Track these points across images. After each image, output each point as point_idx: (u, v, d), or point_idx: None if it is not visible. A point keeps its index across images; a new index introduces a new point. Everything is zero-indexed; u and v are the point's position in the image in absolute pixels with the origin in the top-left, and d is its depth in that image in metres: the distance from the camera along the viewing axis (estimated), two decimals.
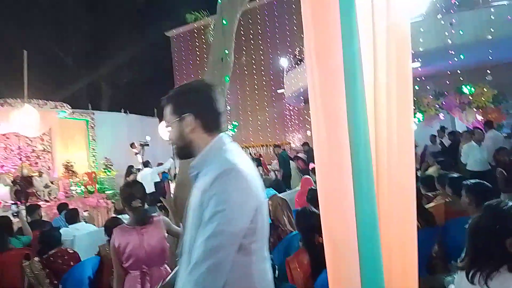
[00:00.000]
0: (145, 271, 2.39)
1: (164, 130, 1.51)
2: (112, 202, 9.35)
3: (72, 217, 4.80)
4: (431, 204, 3.68)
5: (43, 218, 5.79)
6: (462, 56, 8.65)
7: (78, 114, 13.21)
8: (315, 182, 1.51)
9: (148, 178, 7.29)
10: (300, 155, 10.28)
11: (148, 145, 7.65)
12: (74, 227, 4.59)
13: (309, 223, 2.59)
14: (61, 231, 3.88)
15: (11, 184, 9.75)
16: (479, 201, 2.63)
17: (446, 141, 9.00)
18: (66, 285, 3.22)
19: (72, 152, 12.81)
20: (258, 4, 18.54)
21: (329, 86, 1.39)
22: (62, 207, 6.09)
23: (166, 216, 3.08)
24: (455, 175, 3.92)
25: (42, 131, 11.10)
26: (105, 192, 11.73)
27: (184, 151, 1.39)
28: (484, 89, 9.80)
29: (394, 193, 1.39)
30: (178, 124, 1.35)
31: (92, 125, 13.68)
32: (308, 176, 6.18)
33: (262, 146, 17.43)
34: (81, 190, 11.56)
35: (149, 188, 7.08)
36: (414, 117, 10.21)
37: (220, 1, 4.19)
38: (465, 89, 9.95)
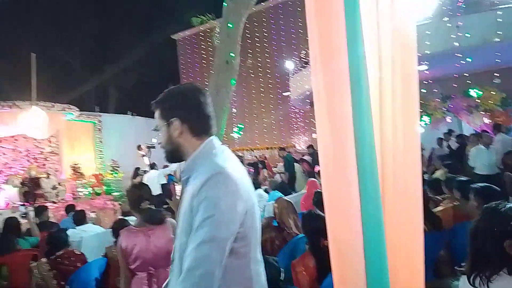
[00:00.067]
0: (152, 272, 2.40)
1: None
2: (119, 204, 9.40)
3: (79, 218, 4.84)
4: (439, 208, 3.66)
5: (50, 220, 5.85)
6: (469, 59, 8.59)
7: (85, 117, 13.34)
8: (321, 184, 1.51)
9: (154, 180, 7.34)
10: (305, 157, 10.27)
11: (154, 147, 7.70)
12: (82, 229, 4.62)
13: (315, 226, 2.58)
14: (68, 232, 3.91)
15: (20, 185, 9.85)
16: None
17: (453, 144, 8.94)
18: (73, 286, 3.24)
19: (79, 154, 12.91)
20: (263, 7, 18.58)
21: (334, 89, 1.39)
22: (69, 208, 6.15)
23: (173, 218, 3.10)
24: (463, 178, 3.90)
25: (50, 133, 11.22)
26: (112, 194, 11.80)
27: (173, 154, 1.39)
28: (492, 92, 9.72)
29: (400, 196, 1.38)
30: (166, 128, 1.36)
31: (99, 127, 13.79)
32: (314, 179, 6.17)
33: (267, 148, 17.41)
34: (88, 192, 11.64)
35: (156, 190, 7.14)
36: (421, 120, 10.15)
37: (225, 4, 4.22)
38: (472, 92, 9.89)
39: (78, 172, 12.35)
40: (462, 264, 1.52)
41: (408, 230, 1.40)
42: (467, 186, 3.26)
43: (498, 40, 8.13)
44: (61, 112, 11.63)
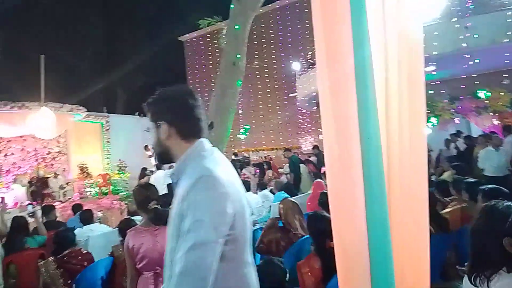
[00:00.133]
0: (158, 272, 2.41)
1: None
2: (126, 204, 9.46)
3: (86, 218, 4.87)
4: (447, 210, 3.63)
5: (57, 219, 5.91)
6: (477, 60, 8.51)
7: (93, 117, 13.45)
8: (326, 185, 1.50)
9: (161, 181, 7.37)
10: (311, 158, 10.24)
11: None
12: (88, 228, 4.66)
13: (320, 227, 2.58)
14: (75, 231, 3.94)
15: (28, 185, 9.96)
16: None
17: (461, 146, 8.86)
18: (79, 285, 3.27)
19: (87, 154, 13.03)
20: (270, 9, 18.59)
21: (340, 90, 1.38)
22: (76, 208, 6.20)
23: None
24: (472, 180, 3.86)
25: (58, 134, 11.34)
26: (119, 193, 11.88)
27: (163, 156, 1.40)
28: (501, 93, 9.61)
29: (405, 197, 1.38)
30: (155, 131, 1.38)
31: (107, 128, 13.90)
32: (320, 180, 6.14)
33: (273, 149, 17.40)
34: (95, 191, 11.73)
35: (162, 190, 7.17)
36: (429, 121, 10.08)
37: (232, 6, 4.23)
38: (481, 94, 9.79)
39: (86, 172, 12.46)
40: (465, 264, 1.53)
41: (414, 231, 1.39)
42: (475, 187, 3.23)
43: (507, 40, 8.04)
44: (69, 113, 11.75)
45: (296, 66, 15.21)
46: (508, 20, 8.17)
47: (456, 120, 10.69)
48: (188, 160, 1.32)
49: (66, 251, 3.50)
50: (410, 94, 1.39)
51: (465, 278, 1.49)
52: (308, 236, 3.08)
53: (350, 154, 1.35)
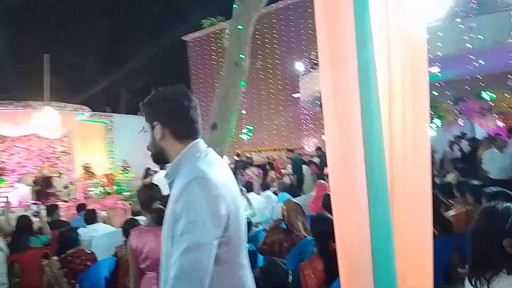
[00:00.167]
0: None
1: None
2: (129, 204, 9.49)
3: (90, 217, 4.89)
4: (451, 212, 3.61)
5: (61, 218, 5.93)
6: (481, 61, 8.46)
7: (97, 117, 13.51)
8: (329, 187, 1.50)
9: (164, 181, 7.38)
10: (314, 159, 10.23)
11: None
12: (92, 228, 4.68)
13: (323, 228, 2.57)
14: (79, 231, 3.96)
15: (32, 184, 10.02)
16: None
17: (465, 147, 8.81)
18: (83, 284, 3.29)
19: (90, 153, 13.07)
20: (273, 9, 18.57)
21: (343, 91, 1.38)
22: (80, 207, 6.23)
23: None
24: (476, 182, 3.84)
25: (62, 133, 11.39)
26: (123, 193, 11.91)
27: (158, 157, 1.41)
28: (506, 94, 9.55)
29: (409, 199, 1.37)
30: (150, 131, 1.38)
31: (111, 128, 13.95)
32: (323, 181, 6.14)
33: (275, 150, 17.38)
34: (99, 191, 11.77)
35: (165, 190, 7.19)
36: (432, 122, 10.03)
37: (236, 6, 4.23)
38: (485, 95, 9.74)
39: (90, 172, 12.50)
40: (466, 266, 1.52)
41: (417, 233, 1.38)
42: (480, 190, 3.22)
43: None
44: (73, 113, 11.80)
45: (299, 66, 15.19)
46: None
47: (460, 122, 10.64)
48: (182, 161, 1.32)
49: (70, 251, 3.52)
50: (413, 94, 1.38)
51: (466, 281, 1.49)
52: (311, 237, 3.08)
53: (353, 155, 1.34)
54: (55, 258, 3.45)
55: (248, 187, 6.42)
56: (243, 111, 18.38)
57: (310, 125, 18.26)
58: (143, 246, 2.41)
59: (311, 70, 13.89)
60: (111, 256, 3.66)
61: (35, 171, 10.97)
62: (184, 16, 21.79)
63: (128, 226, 3.28)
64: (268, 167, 10.82)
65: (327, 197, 3.91)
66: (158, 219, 2.50)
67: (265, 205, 6.10)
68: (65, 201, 9.92)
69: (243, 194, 6.00)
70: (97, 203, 9.92)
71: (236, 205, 1.27)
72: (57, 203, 7.33)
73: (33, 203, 8.48)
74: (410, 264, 1.37)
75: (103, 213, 7.97)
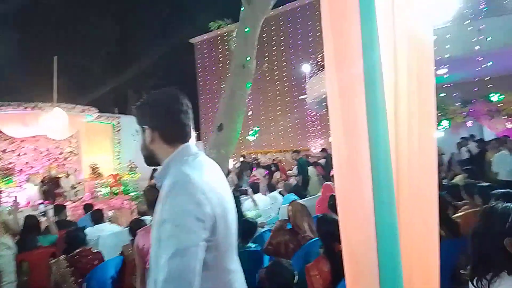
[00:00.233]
0: None
1: None
2: (136, 204, 9.54)
3: (97, 217, 4.93)
4: (459, 214, 3.58)
5: (68, 218, 5.99)
6: (490, 63, 8.40)
7: (104, 118, 13.60)
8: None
9: None
10: (320, 161, 10.21)
11: None
12: (99, 228, 4.71)
13: (329, 230, 2.57)
14: (86, 231, 4.00)
15: (40, 184, 10.12)
16: None
17: (473, 149, 8.73)
18: (90, 283, 3.31)
19: (98, 154, 13.16)
20: (280, 11, 18.62)
21: (349, 93, 1.38)
22: (87, 207, 6.28)
23: None
24: (485, 184, 3.80)
25: (70, 134, 11.50)
26: (129, 194, 11.98)
27: (149, 160, 1.41)
28: None
29: (415, 200, 1.36)
30: (141, 134, 1.39)
31: (118, 129, 14.04)
32: (329, 182, 6.12)
33: (281, 152, 17.37)
34: (106, 191, 11.86)
35: None
36: (440, 124, 9.96)
37: (243, 9, 4.25)
38: (494, 97, 9.66)
39: (97, 172, 12.60)
40: (468, 267, 1.52)
41: (423, 235, 1.37)
42: (488, 191, 3.19)
43: None
44: (81, 114, 11.90)
45: (306, 68, 15.20)
46: None
47: (469, 124, 10.55)
48: (171, 164, 1.32)
49: (77, 250, 3.55)
50: (420, 96, 1.38)
51: (470, 283, 1.48)
52: (317, 238, 3.07)
53: (359, 156, 1.34)
54: (63, 257, 3.48)
55: (254, 188, 6.43)
56: (250, 113, 18.43)
57: (317, 127, 18.23)
58: (149, 245, 2.42)
59: (317, 72, 13.89)
60: (117, 256, 3.69)
61: (43, 172, 11.08)
62: (191, 19, 21.91)
63: (135, 226, 3.31)
64: (273, 168, 10.81)
65: (332, 198, 3.90)
66: None
67: (271, 206, 6.10)
68: (73, 201, 10.01)
69: (248, 195, 6.01)
70: (104, 203, 10.00)
71: (223, 208, 1.26)
72: (64, 203, 7.40)
73: (41, 203, 8.55)
74: (416, 266, 1.36)
75: (110, 213, 8.04)
